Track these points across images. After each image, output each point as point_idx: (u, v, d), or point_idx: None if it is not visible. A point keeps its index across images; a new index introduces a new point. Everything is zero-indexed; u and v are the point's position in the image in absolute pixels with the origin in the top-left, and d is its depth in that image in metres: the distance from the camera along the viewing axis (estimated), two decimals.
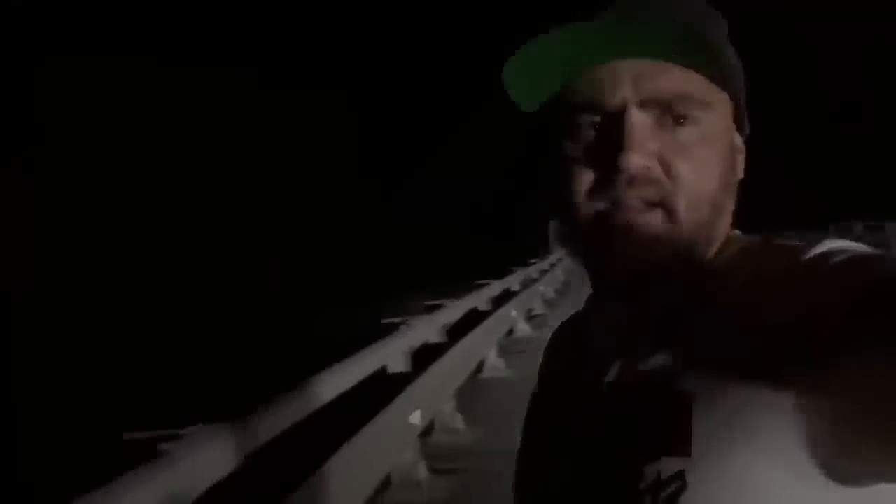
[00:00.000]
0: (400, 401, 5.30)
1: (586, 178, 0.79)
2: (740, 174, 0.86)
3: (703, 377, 0.74)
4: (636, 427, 0.78)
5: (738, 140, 0.86)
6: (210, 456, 2.97)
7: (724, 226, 0.84)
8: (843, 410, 0.66)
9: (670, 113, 0.78)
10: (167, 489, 2.73)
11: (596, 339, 0.89)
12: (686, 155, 0.78)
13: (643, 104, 0.78)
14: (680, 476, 0.72)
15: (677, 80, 0.78)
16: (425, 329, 7.63)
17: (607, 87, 0.78)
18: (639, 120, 0.77)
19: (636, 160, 0.76)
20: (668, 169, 0.78)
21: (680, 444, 0.73)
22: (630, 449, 0.77)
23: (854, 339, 0.66)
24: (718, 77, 0.80)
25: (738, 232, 0.86)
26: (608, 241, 0.79)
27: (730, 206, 0.84)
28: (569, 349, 0.96)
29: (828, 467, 0.69)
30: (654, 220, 0.77)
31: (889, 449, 0.65)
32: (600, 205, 0.78)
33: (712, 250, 0.83)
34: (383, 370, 6.12)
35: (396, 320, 7.16)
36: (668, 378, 0.77)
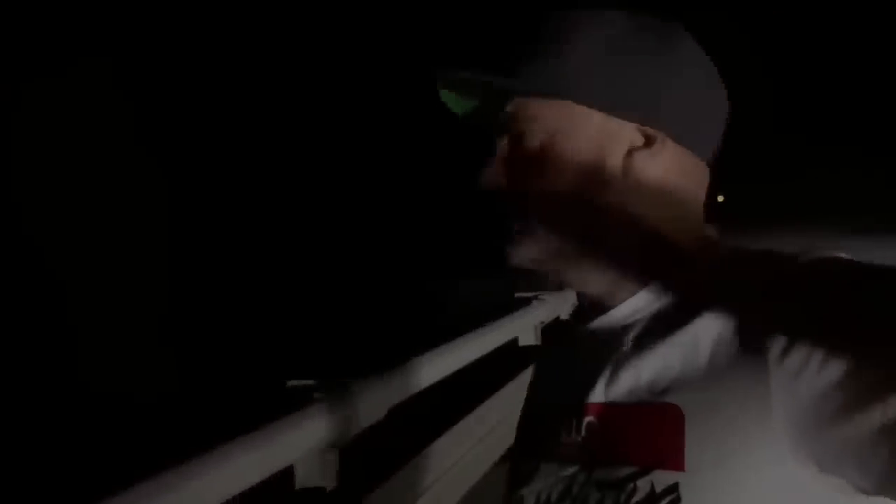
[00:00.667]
0: (525, 375, 5.52)
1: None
2: (613, 160, 0.84)
3: (694, 389, 0.75)
4: (629, 441, 0.78)
5: (619, 140, 0.84)
6: (359, 406, 3.31)
7: (620, 247, 0.84)
8: (837, 424, 0.67)
9: (511, 134, 0.86)
10: (320, 434, 3.07)
11: (585, 351, 0.88)
12: (533, 175, 0.84)
13: (499, 132, 0.87)
14: (674, 489, 0.72)
15: (512, 105, 0.85)
16: (557, 304, 7.71)
17: (498, 118, 0.87)
18: (500, 149, 0.87)
19: (488, 177, 0.87)
20: (522, 182, 0.85)
21: (673, 456, 0.73)
22: (623, 463, 0.77)
23: (850, 355, 0.67)
24: (543, 92, 0.83)
25: (713, 236, 0.87)
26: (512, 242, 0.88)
27: (611, 198, 0.84)
28: (560, 361, 0.94)
29: (821, 480, 0.69)
30: (525, 230, 0.85)
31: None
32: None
33: (685, 257, 0.84)
34: (514, 341, 6.31)
35: (529, 294, 7.28)
36: (660, 390, 0.77)
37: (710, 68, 0.87)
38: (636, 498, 0.74)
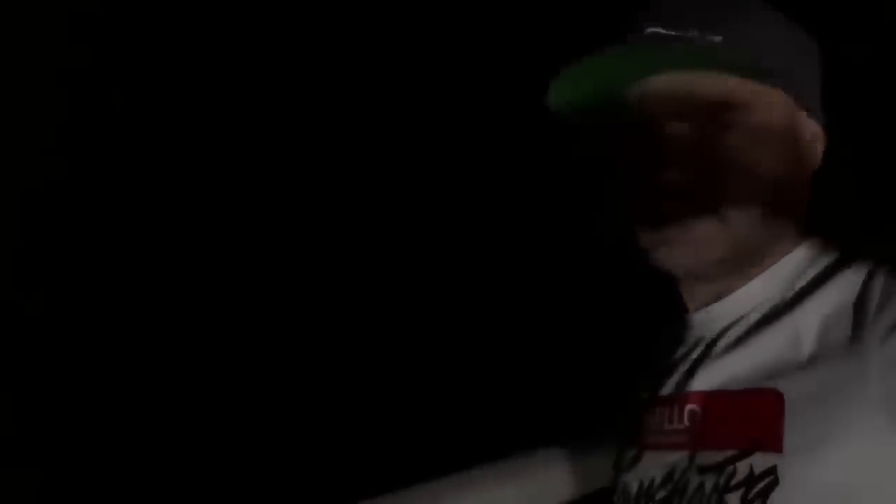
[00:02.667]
0: None
1: (635, 191, 0.84)
2: (810, 164, 0.86)
3: (795, 374, 0.76)
4: (729, 426, 0.79)
5: (807, 129, 0.86)
6: None
7: (792, 219, 0.85)
8: None
9: (710, 121, 0.80)
10: None
11: (689, 340, 0.90)
12: (729, 160, 0.80)
13: (681, 116, 0.81)
14: (772, 471, 0.73)
15: (713, 87, 0.80)
16: None
17: (647, 103, 0.82)
18: (676, 133, 0.80)
19: (673, 174, 0.80)
20: (711, 176, 0.80)
21: (772, 440, 0.74)
22: (724, 447, 0.78)
23: None
24: (761, 77, 0.81)
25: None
26: (662, 248, 0.83)
27: (796, 198, 0.85)
28: (665, 350, 0.96)
29: None
30: (702, 228, 0.80)
31: None
32: (651, 214, 0.83)
33: (787, 247, 0.84)
34: None
35: None
36: (762, 376, 0.78)
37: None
38: (735, 480, 0.76)
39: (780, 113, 0.83)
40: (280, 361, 2.52)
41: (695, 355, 0.87)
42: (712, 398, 0.83)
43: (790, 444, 0.73)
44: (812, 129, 0.87)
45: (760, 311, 0.83)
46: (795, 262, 0.85)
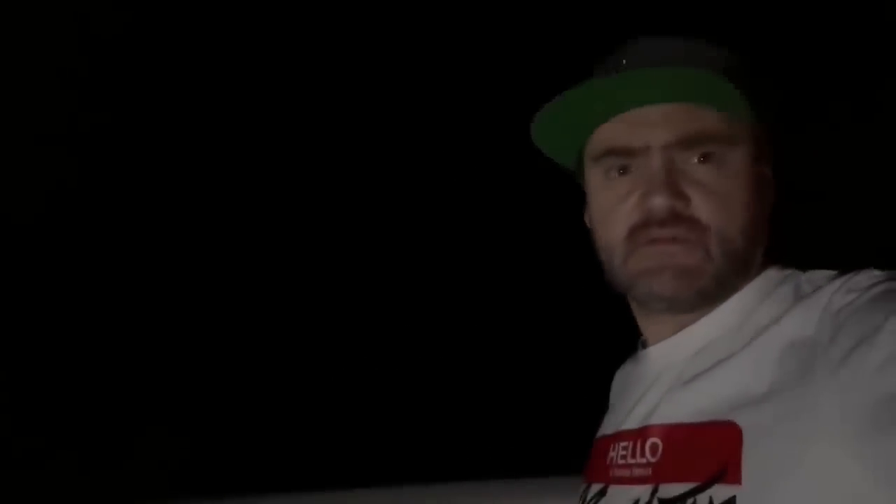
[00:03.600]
0: None
1: (623, 219, 0.84)
2: (770, 204, 0.88)
3: (752, 406, 0.76)
4: (690, 459, 0.79)
5: (768, 171, 0.88)
6: None
7: (759, 255, 0.86)
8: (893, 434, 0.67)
9: (696, 152, 0.81)
10: None
11: (650, 374, 0.90)
12: (713, 192, 0.81)
13: (668, 147, 0.81)
14: (731, 502, 0.74)
15: (700, 120, 0.81)
16: None
17: (634, 133, 0.82)
18: (665, 162, 0.81)
19: (663, 202, 0.80)
20: (696, 206, 0.81)
21: (731, 472, 0.75)
22: (684, 480, 0.79)
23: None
24: (743, 114, 0.82)
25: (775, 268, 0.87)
26: (648, 276, 0.83)
27: (762, 235, 0.86)
28: (627, 384, 0.96)
29: (880, 495, 0.69)
30: (688, 256, 0.81)
31: None
32: (638, 244, 0.83)
33: (748, 281, 0.85)
34: None
35: None
36: (720, 409, 0.79)
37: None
38: None
39: (752, 152, 0.84)
40: (275, 364, 2.57)
41: (656, 388, 0.88)
42: (673, 431, 0.83)
43: (748, 476, 0.74)
44: (768, 171, 0.89)
45: (720, 343, 0.84)
46: (754, 293, 0.85)
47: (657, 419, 0.85)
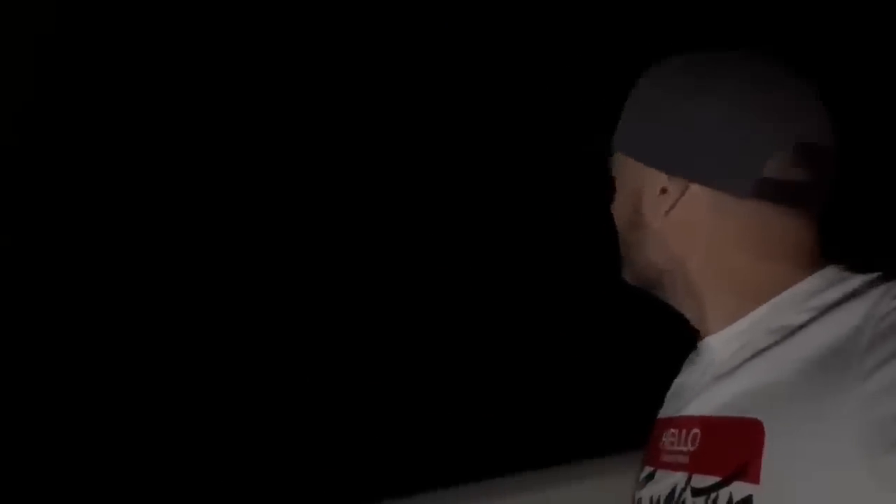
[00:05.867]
0: None
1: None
2: (649, 204, 0.93)
3: (778, 406, 0.78)
4: (719, 452, 0.82)
5: (652, 186, 0.92)
6: None
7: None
8: None
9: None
10: None
11: (703, 359, 0.94)
12: (618, 206, 0.99)
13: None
14: (748, 501, 0.76)
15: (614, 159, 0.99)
16: None
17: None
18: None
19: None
20: (616, 218, 1.00)
21: (751, 469, 0.77)
22: (713, 472, 0.82)
23: None
24: (614, 151, 0.98)
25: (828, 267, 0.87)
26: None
27: (648, 238, 0.94)
28: (685, 374, 1.01)
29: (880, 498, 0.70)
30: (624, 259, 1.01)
31: None
32: None
33: (785, 278, 0.86)
34: None
35: None
36: (748, 405, 0.81)
37: (757, 98, 0.87)
38: None
39: (633, 181, 0.96)
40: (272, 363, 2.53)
41: (703, 380, 0.91)
42: (709, 423, 0.86)
43: (767, 476, 0.75)
44: (651, 187, 0.93)
45: (762, 339, 0.85)
46: (801, 292, 0.86)
47: (699, 410, 0.88)
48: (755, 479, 0.76)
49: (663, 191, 0.91)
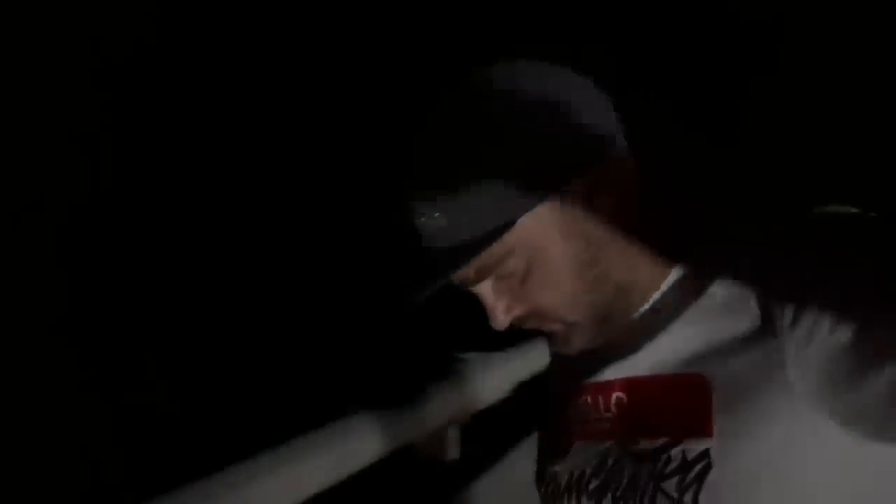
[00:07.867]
0: None
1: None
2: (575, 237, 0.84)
3: (716, 360, 0.78)
4: (658, 412, 0.81)
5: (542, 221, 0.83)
6: (481, 383, 3.36)
7: (628, 279, 0.85)
8: (852, 384, 0.71)
9: (495, 271, 0.83)
10: (442, 412, 3.13)
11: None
12: (527, 289, 0.83)
13: (479, 277, 0.84)
14: (705, 455, 0.76)
15: (476, 262, 0.82)
16: None
17: (461, 282, 0.85)
18: (484, 290, 0.84)
19: (501, 320, 0.85)
20: (529, 305, 0.84)
21: (702, 425, 0.77)
22: (655, 434, 0.80)
23: (858, 317, 0.71)
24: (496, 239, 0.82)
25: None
26: (552, 343, 0.90)
27: (611, 270, 0.85)
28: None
29: (844, 432, 0.73)
30: (558, 332, 0.86)
31: None
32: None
33: (639, 299, 0.85)
34: None
35: None
36: (684, 362, 0.80)
37: (558, 88, 0.83)
38: (670, 467, 0.78)
39: (536, 236, 0.82)
40: None
41: (617, 343, 0.87)
42: (637, 384, 0.84)
43: (721, 429, 0.76)
44: (563, 211, 0.83)
45: (675, 302, 0.84)
46: (696, 262, 0.85)
47: (619, 373, 0.86)
48: (709, 433, 0.77)
49: (557, 206, 0.83)
